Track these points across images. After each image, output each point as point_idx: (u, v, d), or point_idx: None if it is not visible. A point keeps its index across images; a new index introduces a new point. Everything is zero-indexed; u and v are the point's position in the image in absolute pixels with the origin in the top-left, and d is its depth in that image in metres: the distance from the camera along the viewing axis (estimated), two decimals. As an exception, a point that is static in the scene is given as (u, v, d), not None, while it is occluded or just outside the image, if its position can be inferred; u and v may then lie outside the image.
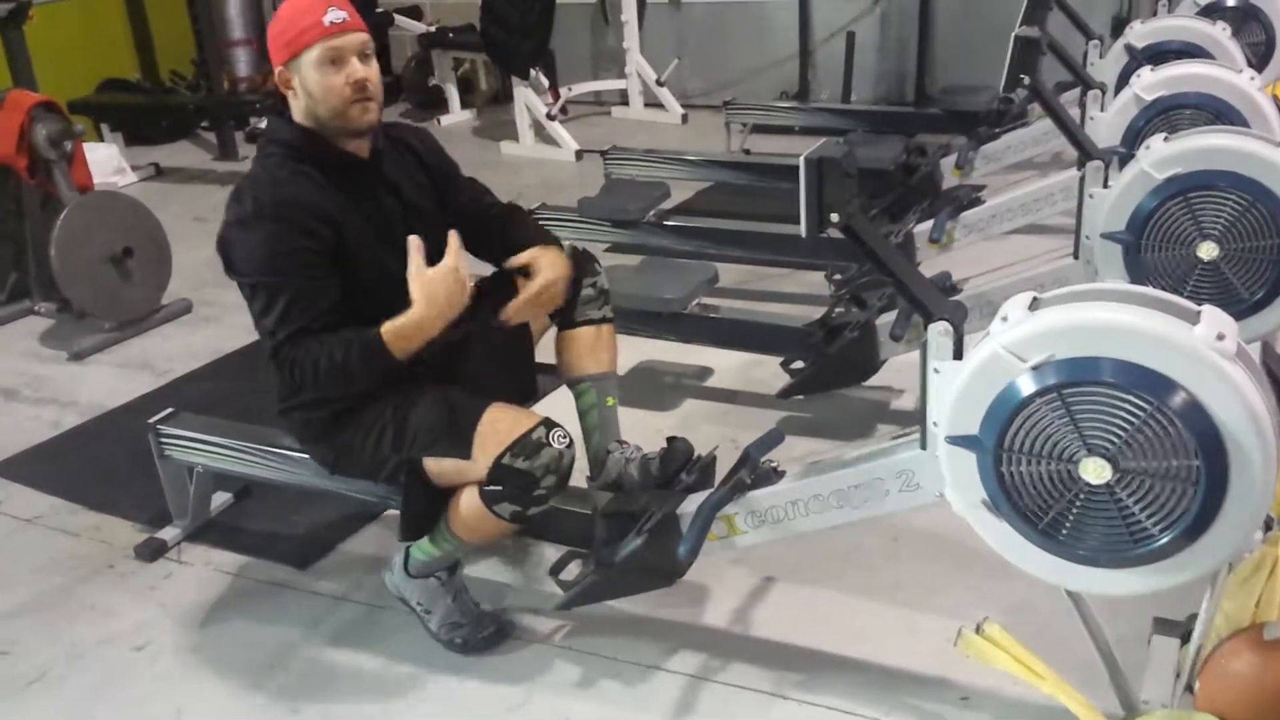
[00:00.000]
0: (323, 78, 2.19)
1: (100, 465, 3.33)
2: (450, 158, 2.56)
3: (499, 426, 2.17)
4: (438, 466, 2.26)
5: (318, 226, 2.18)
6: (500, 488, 2.17)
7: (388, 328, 2.14)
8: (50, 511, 3.12)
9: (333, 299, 2.19)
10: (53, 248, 4.06)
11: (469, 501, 2.22)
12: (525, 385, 2.55)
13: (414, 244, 2.17)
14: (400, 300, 2.17)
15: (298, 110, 2.27)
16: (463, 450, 2.19)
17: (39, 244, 4.28)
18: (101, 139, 6.85)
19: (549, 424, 2.19)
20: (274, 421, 2.51)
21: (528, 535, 2.71)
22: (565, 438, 2.18)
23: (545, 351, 2.62)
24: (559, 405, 3.19)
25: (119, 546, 2.91)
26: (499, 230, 2.50)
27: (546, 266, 2.39)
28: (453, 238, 2.20)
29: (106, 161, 6.26)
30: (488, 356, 2.42)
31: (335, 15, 2.18)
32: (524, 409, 2.27)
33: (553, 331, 2.61)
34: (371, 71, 2.24)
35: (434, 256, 2.20)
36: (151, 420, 2.81)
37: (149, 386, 3.85)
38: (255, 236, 2.18)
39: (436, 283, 2.15)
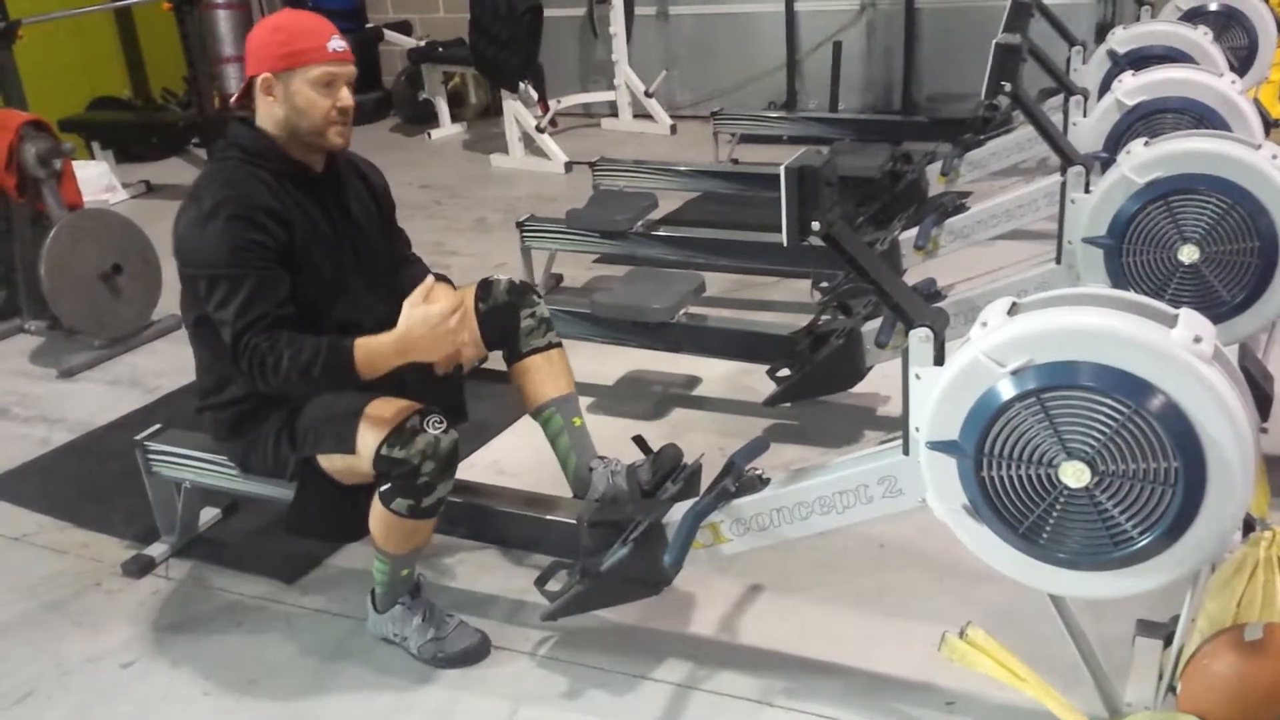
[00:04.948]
0: (315, 96, 2.30)
1: (89, 482, 3.33)
2: (393, 199, 2.66)
3: (378, 419, 2.23)
4: (329, 463, 2.34)
5: (270, 224, 2.27)
6: (390, 484, 2.23)
7: (361, 343, 2.22)
8: (38, 529, 3.11)
9: (287, 291, 2.28)
10: (42, 266, 4.06)
11: (374, 509, 2.28)
12: (453, 403, 2.54)
13: (428, 282, 2.31)
14: (328, 308, 2.35)
15: (269, 117, 2.34)
16: (347, 445, 2.26)
17: (28, 262, 4.28)
18: (92, 157, 6.85)
19: (425, 411, 2.23)
20: (195, 422, 2.61)
21: (514, 547, 2.72)
22: (441, 423, 2.22)
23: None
24: (517, 438, 3.24)
25: (107, 563, 2.90)
26: (410, 278, 2.58)
27: (441, 297, 2.42)
28: (438, 288, 2.34)
29: (97, 179, 6.26)
30: (416, 372, 2.38)
31: (338, 44, 2.33)
32: (407, 401, 2.29)
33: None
34: (353, 101, 2.36)
35: (374, 276, 2.46)
36: (139, 436, 2.81)
37: (138, 403, 3.85)
38: (215, 232, 2.24)
39: (418, 320, 2.22)
